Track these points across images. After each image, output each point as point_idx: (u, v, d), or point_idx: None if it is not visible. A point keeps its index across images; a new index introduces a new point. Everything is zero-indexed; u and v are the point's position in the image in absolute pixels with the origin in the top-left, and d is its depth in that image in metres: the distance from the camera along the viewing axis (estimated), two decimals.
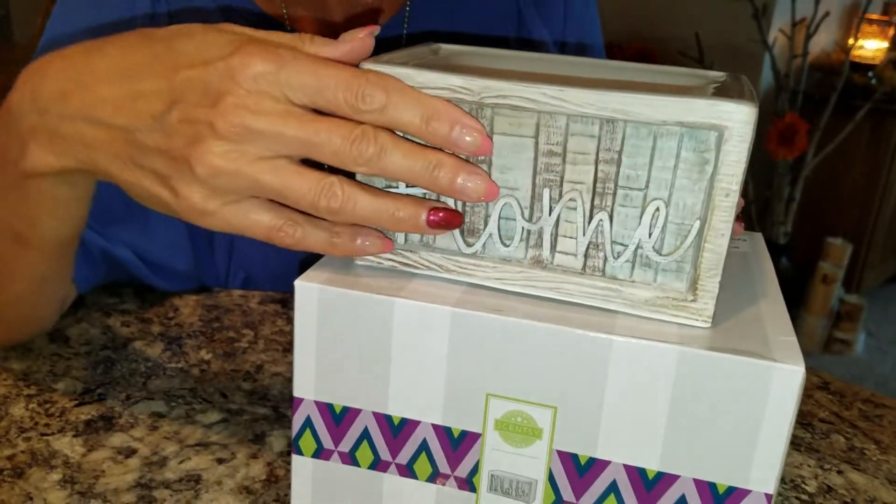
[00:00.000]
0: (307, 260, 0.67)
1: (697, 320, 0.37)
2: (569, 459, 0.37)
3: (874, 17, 2.82)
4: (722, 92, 0.38)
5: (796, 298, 2.69)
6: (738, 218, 0.48)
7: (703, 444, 0.35)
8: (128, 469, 0.48)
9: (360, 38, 0.39)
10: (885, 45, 2.80)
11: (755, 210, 2.71)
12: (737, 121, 0.34)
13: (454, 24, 0.76)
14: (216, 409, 0.54)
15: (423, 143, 0.38)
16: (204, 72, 0.38)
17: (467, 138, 0.37)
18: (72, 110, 0.42)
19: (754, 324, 0.38)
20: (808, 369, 0.67)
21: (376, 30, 0.40)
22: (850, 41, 2.71)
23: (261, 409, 0.55)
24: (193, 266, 0.70)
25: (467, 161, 0.38)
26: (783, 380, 0.34)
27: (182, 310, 0.68)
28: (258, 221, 0.40)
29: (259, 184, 0.38)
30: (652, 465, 0.36)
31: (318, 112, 0.38)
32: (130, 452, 0.50)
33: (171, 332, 0.64)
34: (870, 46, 2.78)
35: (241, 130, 0.37)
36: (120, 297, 0.70)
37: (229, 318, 0.67)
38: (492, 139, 0.38)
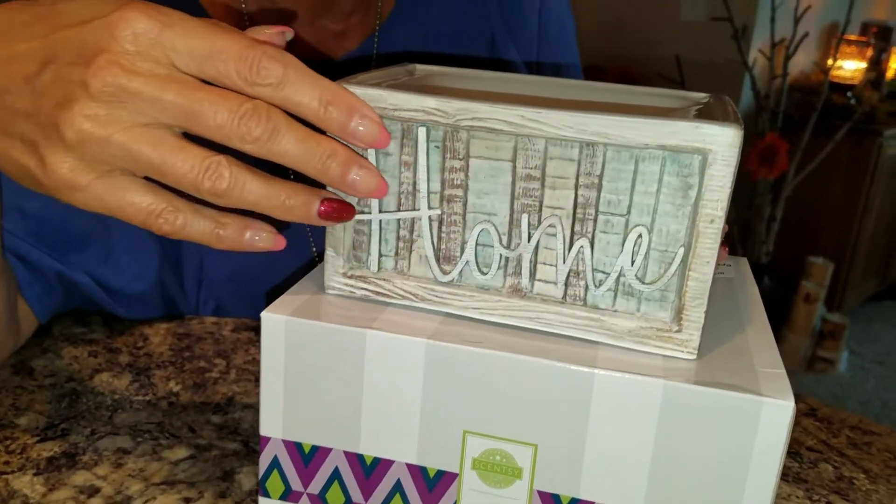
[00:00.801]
0: (275, 289, 0.65)
1: (682, 352, 0.35)
2: (550, 500, 0.36)
3: (852, 37, 2.84)
4: (705, 114, 0.37)
5: (779, 318, 2.69)
6: (722, 243, 0.47)
7: (691, 481, 0.34)
8: None
9: (267, 34, 0.36)
10: (863, 65, 2.83)
11: (737, 230, 2.71)
12: (721, 144, 0.32)
13: (425, 49, 0.74)
14: (184, 445, 0.52)
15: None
16: (81, 30, 0.35)
17: (363, 128, 0.35)
18: None
19: (741, 354, 0.36)
20: (795, 395, 0.66)
21: (289, 32, 0.37)
22: (829, 62, 2.73)
23: (230, 444, 0.53)
24: (159, 294, 0.68)
25: (358, 153, 0.36)
26: (772, 415, 0.33)
27: (152, 338, 0.66)
28: (134, 202, 0.36)
29: (133, 154, 0.35)
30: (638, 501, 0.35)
31: (207, 84, 0.35)
32: (93, 492, 0.47)
33: (139, 363, 0.62)
34: (848, 67, 2.81)
35: (115, 90, 0.34)
36: (88, 325, 0.68)
37: (200, 347, 0.65)
38: (468, 162, 0.37)
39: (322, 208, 0.36)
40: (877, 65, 2.97)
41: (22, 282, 0.60)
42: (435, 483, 0.37)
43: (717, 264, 0.47)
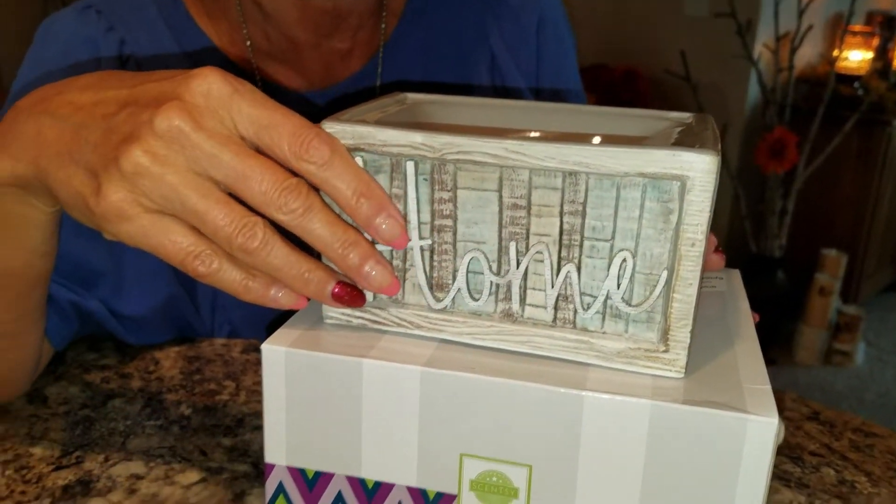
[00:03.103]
0: (275, 321, 0.66)
1: (670, 371, 0.36)
2: None
3: (857, 28, 2.83)
4: (684, 139, 0.38)
5: (794, 311, 2.69)
6: (717, 250, 0.48)
7: (681, 498, 0.35)
8: None
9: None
10: (869, 55, 2.81)
11: (749, 225, 2.71)
12: (698, 170, 0.33)
13: (427, 70, 0.75)
14: (196, 468, 0.54)
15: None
16: (163, 82, 0.39)
17: (386, 226, 0.38)
18: (39, 109, 0.43)
19: (728, 371, 0.37)
20: (798, 398, 0.66)
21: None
22: (835, 52, 2.72)
23: (241, 466, 0.54)
24: (167, 320, 0.70)
25: (377, 250, 0.39)
26: (757, 432, 0.33)
27: (163, 362, 0.68)
28: (176, 241, 0.38)
29: (181, 197, 0.37)
30: None
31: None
32: None
33: (151, 387, 0.64)
34: (854, 57, 2.79)
35: (177, 134, 0.37)
36: (100, 351, 0.69)
37: (210, 370, 0.67)
38: (456, 193, 0.38)
39: (336, 290, 0.39)
40: (883, 54, 2.95)
41: None
42: None
43: (710, 276, 0.48)
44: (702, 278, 0.36)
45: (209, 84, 0.37)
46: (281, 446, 0.39)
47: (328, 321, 0.41)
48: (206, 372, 0.66)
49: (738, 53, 2.59)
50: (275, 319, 0.69)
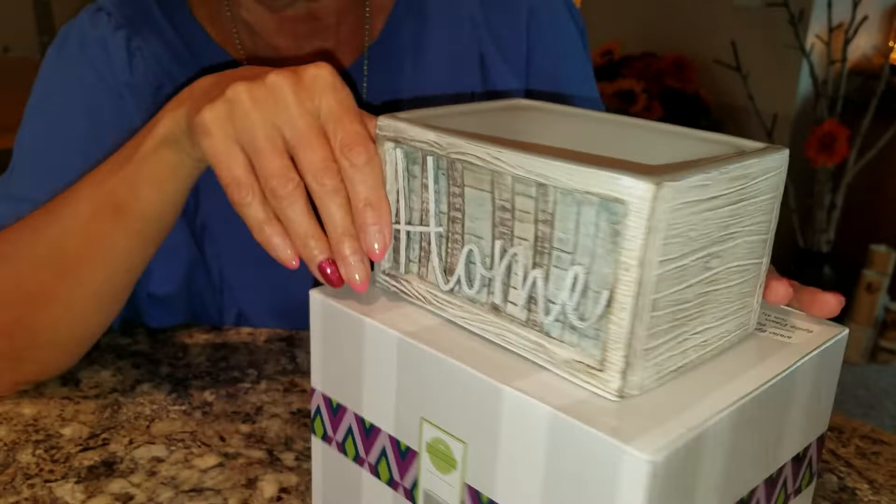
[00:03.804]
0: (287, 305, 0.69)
1: (604, 391, 0.36)
2: (475, 495, 0.39)
3: None
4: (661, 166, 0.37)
5: (841, 308, 2.64)
6: (787, 281, 0.45)
7: None
8: None
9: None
10: None
11: (797, 219, 2.67)
12: (635, 196, 0.33)
13: (416, 68, 0.75)
14: (213, 453, 0.56)
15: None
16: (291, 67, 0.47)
17: (372, 237, 0.43)
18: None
19: (669, 409, 0.35)
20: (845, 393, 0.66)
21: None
22: (891, 44, 2.66)
23: (256, 452, 0.57)
24: (185, 299, 0.73)
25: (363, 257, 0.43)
26: (630, 466, 0.32)
27: (191, 350, 0.71)
28: (232, 168, 0.45)
29: (254, 133, 0.44)
30: None
31: None
32: (128, 499, 0.52)
33: (178, 374, 0.67)
34: None
35: (278, 90, 0.45)
36: (133, 337, 0.72)
37: (235, 358, 0.69)
38: (464, 189, 0.41)
39: (323, 264, 0.44)
40: None
41: None
42: (405, 456, 0.42)
43: (789, 322, 0.45)
44: (672, 309, 0.35)
45: (320, 71, 0.45)
46: (318, 375, 0.46)
47: (377, 284, 0.46)
48: (231, 360, 0.69)
49: (789, 44, 2.54)
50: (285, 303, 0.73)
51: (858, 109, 2.57)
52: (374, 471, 0.44)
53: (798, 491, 0.44)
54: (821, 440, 0.45)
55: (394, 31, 0.75)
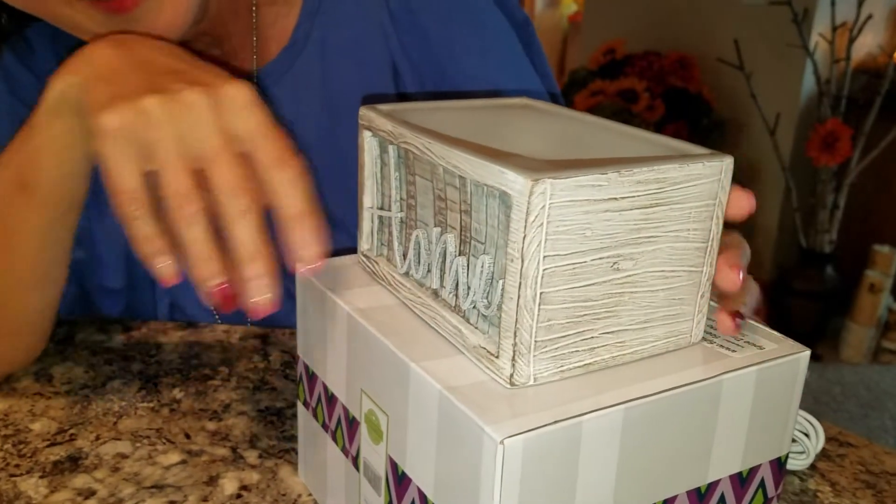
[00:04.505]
0: None
1: (499, 377, 0.37)
2: (394, 467, 0.41)
3: None
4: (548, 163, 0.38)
5: (843, 308, 2.63)
6: (735, 315, 0.42)
7: (456, 488, 0.36)
8: None
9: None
10: None
11: (800, 219, 2.66)
12: (516, 190, 0.34)
13: (328, 76, 0.73)
14: (177, 450, 0.57)
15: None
16: (210, 72, 0.48)
17: (304, 243, 0.43)
18: (113, 42, 0.52)
19: (562, 398, 0.36)
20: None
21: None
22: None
23: (220, 449, 0.57)
24: (126, 287, 0.74)
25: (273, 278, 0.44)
26: (489, 446, 0.33)
27: (165, 347, 0.71)
28: (126, 178, 0.44)
29: (165, 147, 0.43)
30: (429, 494, 0.38)
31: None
32: (90, 494, 0.52)
33: (149, 371, 0.67)
34: None
35: (194, 105, 0.44)
36: (108, 333, 0.73)
37: (208, 355, 0.70)
38: (416, 178, 0.43)
39: (217, 289, 0.43)
40: None
41: None
42: (352, 425, 0.45)
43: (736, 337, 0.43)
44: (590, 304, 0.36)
45: (238, 91, 0.45)
46: (301, 343, 0.50)
47: (359, 263, 0.49)
48: (203, 357, 0.69)
49: (793, 43, 2.53)
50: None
51: (863, 109, 2.56)
52: (334, 437, 0.47)
53: None
54: (778, 464, 0.44)
55: (299, 38, 0.73)
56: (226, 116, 0.44)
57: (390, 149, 0.44)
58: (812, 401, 2.39)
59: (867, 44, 2.71)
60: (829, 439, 0.62)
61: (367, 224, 0.47)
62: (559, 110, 0.50)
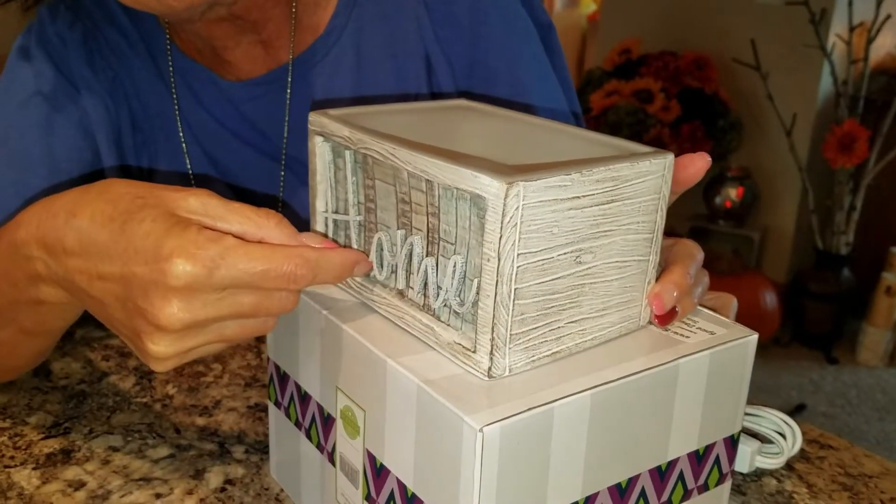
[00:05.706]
0: None
1: (476, 371, 0.39)
2: (372, 459, 0.42)
3: None
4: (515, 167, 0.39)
5: (859, 311, 2.62)
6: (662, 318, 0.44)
7: (436, 476, 0.37)
8: (74, 502, 0.52)
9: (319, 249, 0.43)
10: None
11: (816, 220, 2.64)
12: (491, 194, 0.35)
13: (359, 66, 0.74)
14: (167, 445, 0.58)
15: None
16: (145, 271, 0.41)
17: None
18: (50, 267, 0.47)
19: (534, 386, 0.38)
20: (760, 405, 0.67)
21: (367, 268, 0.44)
22: None
23: (208, 444, 0.59)
24: None
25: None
26: (468, 435, 0.35)
27: None
28: (224, 339, 0.43)
29: (222, 322, 0.42)
30: (409, 484, 0.39)
31: None
32: (79, 486, 0.54)
33: (145, 367, 0.69)
34: None
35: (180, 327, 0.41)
36: (107, 330, 0.75)
37: None
38: (374, 182, 0.44)
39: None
40: None
41: None
42: (327, 422, 0.46)
43: (691, 318, 0.46)
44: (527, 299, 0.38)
45: (182, 279, 0.40)
46: (271, 346, 0.51)
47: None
48: None
49: (810, 43, 2.52)
50: None
51: (880, 110, 2.54)
52: (308, 434, 0.48)
53: (705, 488, 0.45)
54: (731, 441, 0.46)
55: (335, 28, 0.74)
56: (197, 303, 0.40)
57: (346, 153, 0.45)
58: (827, 403, 2.38)
59: (885, 44, 2.69)
60: (810, 441, 0.63)
61: (320, 228, 0.48)
62: (499, 111, 0.51)
